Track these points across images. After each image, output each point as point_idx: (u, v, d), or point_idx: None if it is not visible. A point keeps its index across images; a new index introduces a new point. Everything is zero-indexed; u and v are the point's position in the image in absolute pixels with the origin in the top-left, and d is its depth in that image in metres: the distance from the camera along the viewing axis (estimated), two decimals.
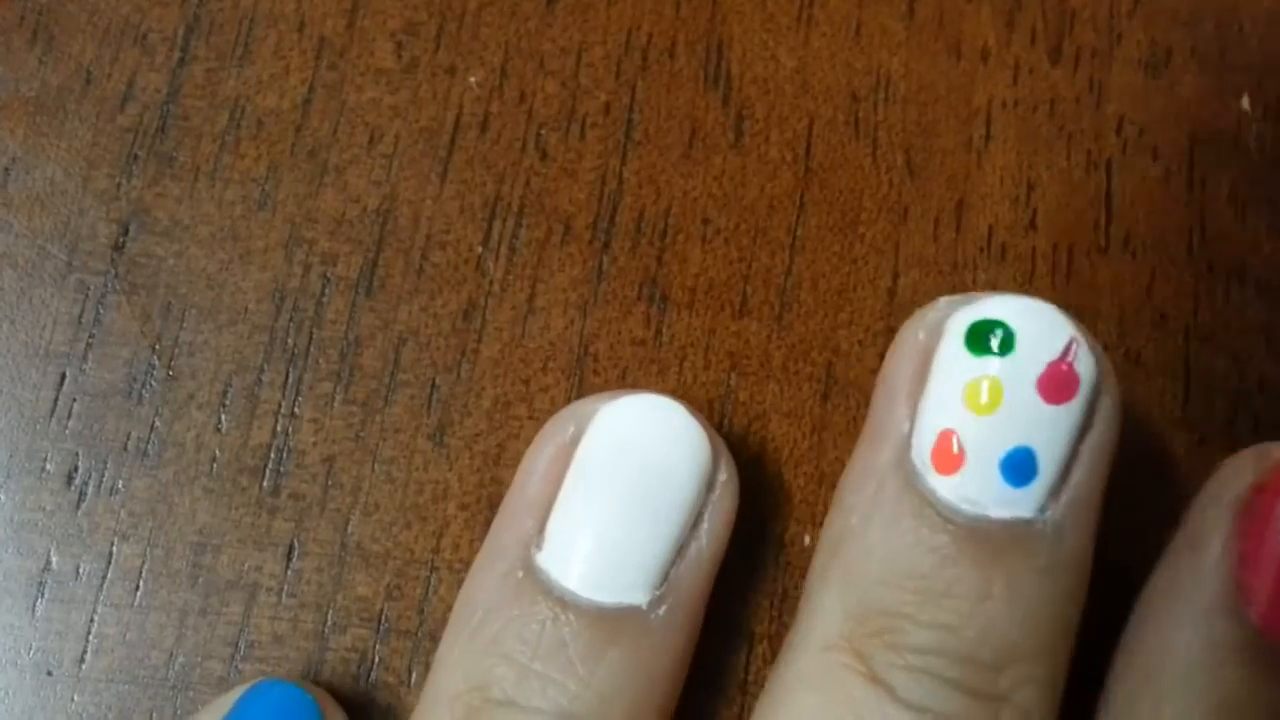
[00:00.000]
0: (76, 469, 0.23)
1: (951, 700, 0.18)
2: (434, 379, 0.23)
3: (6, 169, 0.24)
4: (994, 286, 0.24)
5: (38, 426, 0.23)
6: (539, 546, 0.20)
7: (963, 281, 0.24)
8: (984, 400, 0.19)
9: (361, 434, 0.23)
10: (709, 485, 0.20)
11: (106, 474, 0.23)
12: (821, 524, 0.23)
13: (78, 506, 0.23)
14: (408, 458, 0.23)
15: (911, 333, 0.20)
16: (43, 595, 0.22)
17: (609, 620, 0.19)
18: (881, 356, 0.24)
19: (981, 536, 0.19)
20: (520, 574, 0.20)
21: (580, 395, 0.23)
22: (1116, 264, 0.25)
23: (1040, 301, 0.19)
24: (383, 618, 0.22)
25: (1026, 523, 0.19)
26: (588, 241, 0.24)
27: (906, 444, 0.19)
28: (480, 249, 0.24)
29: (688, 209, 0.25)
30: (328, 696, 0.20)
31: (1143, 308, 0.24)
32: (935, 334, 0.20)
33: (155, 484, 0.23)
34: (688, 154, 0.25)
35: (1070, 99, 0.26)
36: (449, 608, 0.21)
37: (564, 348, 0.24)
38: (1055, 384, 0.19)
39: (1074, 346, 0.19)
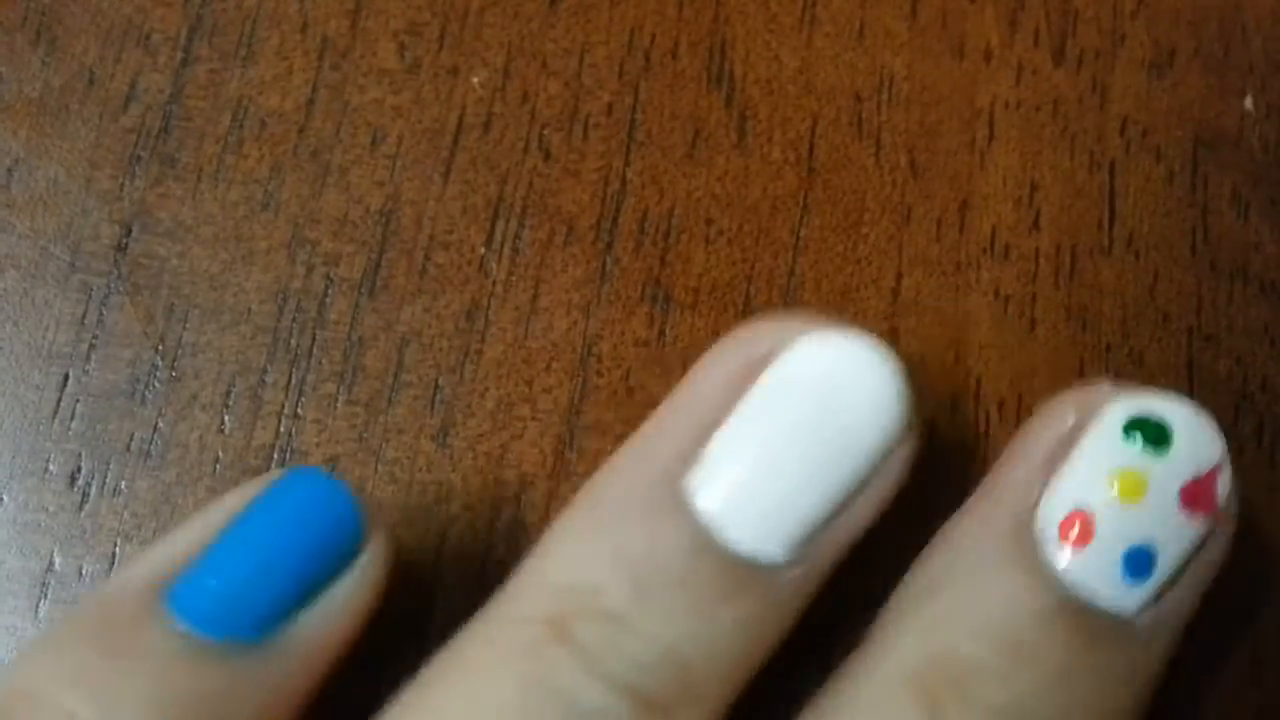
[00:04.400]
0: (79, 470, 0.23)
1: None
2: (437, 380, 0.23)
3: (9, 170, 0.24)
4: (997, 287, 0.24)
5: (40, 427, 0.23)
6: (695, 465, 0.18)
7: (966, 281, 0.24)
8: (1129, 490, 0.19)
9: (365, 435, 0.23)
10: (888, 455, 0.19)
11: (109, 475, 0.23)
12: None
13: (81, 507, 0.22)
14: (411, 459, 0.23)
15: (1062, 408, 0.20)
16: (46, 596, 0.22)
17: (743, 568, 0.18)
18: None
19: (1086, 617, 0.19)
20: (665, 489, 0.18)
21: (584, 396, 0.23)
22: (1119, 264, 0.25)
23: (1203, 413, 0.19)
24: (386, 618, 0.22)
25: (1125, 621, 0.19)
26: (591, 242, 0.24)
27: (1033, 511, 0.19)
28: (483, 250, 0.24)
29: (691, 210, 0.25)
30: (375, 514, 0.19)
31: (1146, 308, 0.24)
32: (1087, 416, 0.20)
33: (158, 485, 0.23)
34: (691, 154, 0.25)
35: (1073, 100, 0.26)
36: (452, 608, 0.20)
37: (567, 348, 0.24)
38: (1197, 496, 0.19)
39: (1222, 466, 0.19)
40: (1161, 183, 0.25)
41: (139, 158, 0.25)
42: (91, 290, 0.24)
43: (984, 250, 0.25)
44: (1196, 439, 0.19)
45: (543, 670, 0.17)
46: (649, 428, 0.20)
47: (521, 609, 0.18)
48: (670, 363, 0.24)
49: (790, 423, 0.18)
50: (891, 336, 0.24)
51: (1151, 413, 0.19)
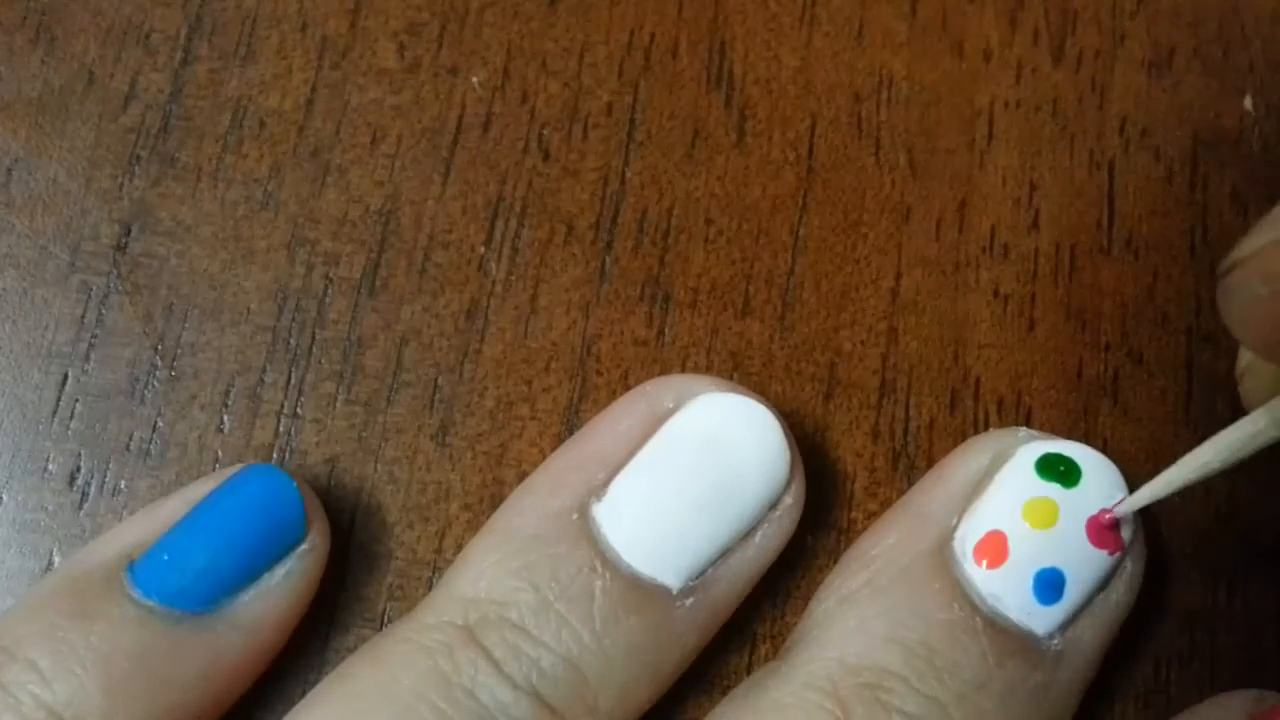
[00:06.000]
0: (79, 469, 0.23)
1: None
2: (436, 379, 0.23)
3: (9, 169, 0.24)
4: (996, 287, 0.24)
5: (40, 427, 0.23)
6: (600, 498, 0.20)
7: (965, 281, 0.24)
8: (1041, 517, 0.20)
9: (364, 434, 0.23)
10: (774, 505, 0.21)
11: (109, 474, 0.23)
12: (822, 526, 0.23)
13: (80, 507, 0.22)
14: (410, 458, 0.23)
15: (978, 447, 0.22)
16: None
17: (639, 591, 0.20)
18: (884, 357, 0.24)
19: (998, 633, 0.20)
20: (575, 516, 0.20)
21: (583, 396, 0.23)
22: (1119, 264, 0.25)
23: (1106, 458, 0.21)
24: (385, 618, 0.22)
25: (1036, 638, 0.20)
26: (590, 242, 0.24)
27: (950, 534, 0.21)
28: (483, 249, 0.24)
29: (690, 209, 0.25)
30: (319, 510, 0.21)
31: (1145, 308, 0.24)
32: (1003, 455, 0.21)
33: (158, 485, 0.23)
34: (690, 154, 0.25)
35: (1073, 99, 0.26)
36: None
37: (566, 348, 0.24)
38: (1100, 530, 0.20)
39: (1124, 505, 0.20)
40: (1161, 182, 0.25)
41: (139, 157, 0.25)
42: (91, 290, 0.24)
43: (983, 250, 0.25)
44: (1102, 477, 0.21)
45: (453, 666, 0.19)
46: (560, 461, 0.21)
47: (437, 616, 0.20)
48: (669, 362, 0.24)
49: (687, 468, 0.20)
50: (891, 336, 0.24)
51: (1063, 452, 0.21)
